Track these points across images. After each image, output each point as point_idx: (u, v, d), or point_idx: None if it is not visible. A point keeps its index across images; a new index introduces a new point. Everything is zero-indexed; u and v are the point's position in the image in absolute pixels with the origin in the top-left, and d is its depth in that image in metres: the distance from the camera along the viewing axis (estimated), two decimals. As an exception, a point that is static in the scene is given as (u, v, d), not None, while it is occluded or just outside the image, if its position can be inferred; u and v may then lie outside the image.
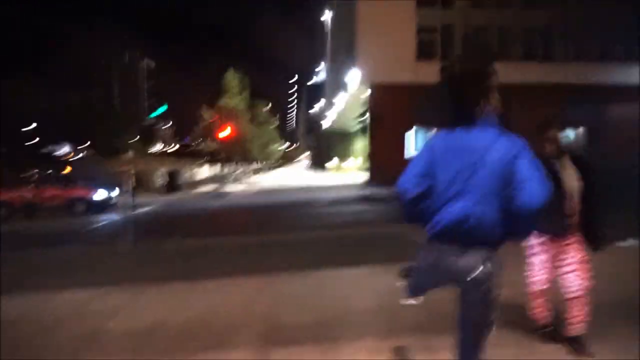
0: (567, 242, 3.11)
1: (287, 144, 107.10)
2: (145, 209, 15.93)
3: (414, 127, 23.59)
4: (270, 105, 49.76)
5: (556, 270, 3.20)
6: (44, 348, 3.57)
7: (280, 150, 59.01)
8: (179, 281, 5.43)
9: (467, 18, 24.79)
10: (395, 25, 23.23)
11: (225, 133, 21.04)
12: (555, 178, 3.07)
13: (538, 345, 3.23)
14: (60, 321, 4.15)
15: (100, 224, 12.44)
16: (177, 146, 69.72)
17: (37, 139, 45.13)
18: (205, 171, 28.15)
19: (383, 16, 23.01)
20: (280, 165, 75.10)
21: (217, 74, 31.95)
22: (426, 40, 24.15)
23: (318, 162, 54.58)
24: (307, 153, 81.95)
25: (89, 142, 35.29)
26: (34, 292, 5.06)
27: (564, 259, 3.14)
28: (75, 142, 37.69)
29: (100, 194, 16.16)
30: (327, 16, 43.07)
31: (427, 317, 3.64)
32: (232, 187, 25.05)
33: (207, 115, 28.45)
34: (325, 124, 45.58)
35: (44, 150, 42.42)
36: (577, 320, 3.10)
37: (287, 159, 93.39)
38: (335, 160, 42.75)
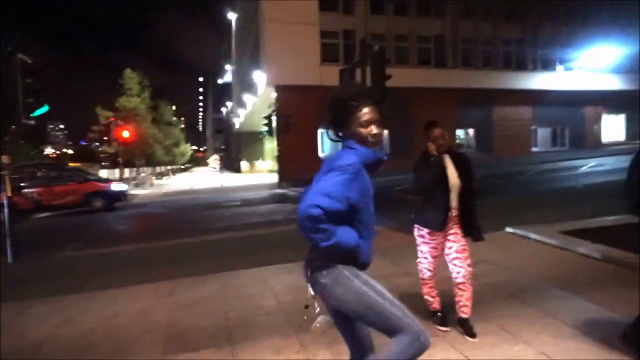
0: (448, 233, 3.41)
1: (195, 146, 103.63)
2: (32, 217, 14.43)
3: (322, 128, 24.15)
4: (175, 106, 47.80)
5: (443, 258, 3.49)
6: None
7: (188, 153, 56.80)
8: (71, 294, 5.01)
9: (367, 25, 25.95)
10: (300, 28, 23.58)
11: (124, 135, 19.73)
12: (439, 175, 3.36)
13: (432, 330, 3.48)
14: None
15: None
16: (71, 150, 64.12)
17: None
18: (103, 176, 26.14)
19: (287, 19, 23.24)
20: (188, 169, 72.35)
21: (115, 73, 29.98)
22: (329, 45, 24.83)
23: (229, 165, 53.52)
24: (217, 156, 79.94)
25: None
26: None
27: (447, 249, 3.44)
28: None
29: (116, 186, 16.55)
30: (232, 16, 42.41)
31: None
32: (134, 191, 23.65)
33: (103, 116, 26.46)
34: (235, 125, 44.86)
35: None
36: (462, 304, 3.40)
37: (196, 161, 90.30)
38: (245, 162, 42.24)
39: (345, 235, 1.91)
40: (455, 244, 3.40)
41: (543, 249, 5.62)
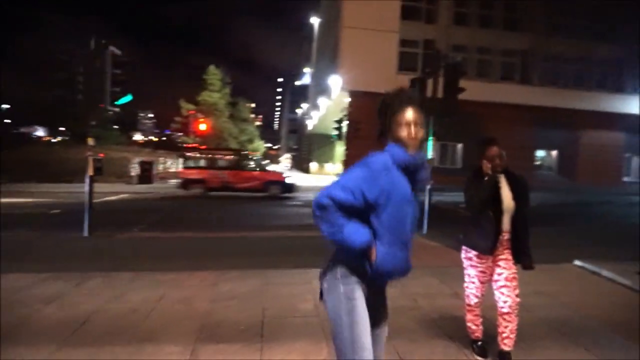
0: (498, 258, 3.18)
1: (270, 144, 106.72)
2: (112, 197, 15.63)
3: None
4: (253, 104, 49.51)
5: (490, 285, 3.27)
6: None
7: (261, 150, 58.62)
8: (127, 272, 5.33)
9: (449, 35, 25.22)
10: (379, 35, 23.48)
11: (203, 127, 20.80)
12: (492, 195, 3.15)
13: (470, 358, 3.27)
14: (-8, 306, 4.03)
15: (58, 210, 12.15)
16: (156, 138, 68.65)
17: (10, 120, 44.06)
18: (180, 164, 27.66)
19: (367, 26, 23.24)
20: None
21: (199, 70, 31.69)
22: (408, 54, 24.45)
23: (299, 165, 54.45)
24: (289, 155, 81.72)
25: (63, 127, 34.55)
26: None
27: (495, 275, 3.21)
28: (47, 126, 36.94)
29: (289, 179, 18.02)
30: (315, 20, 43.18)
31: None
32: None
33: (185, 108, 28.07)
34: (309, 127, 45.57)
35: (22, 131, 41.50)
36: (505, 335, 3.16)
37: (269, 158, 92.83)
38: (315, 163, 42.72)
39: (354, 232, 1.85)
40: (505, 271, 3.17)
41: (614, 290, 5.09)
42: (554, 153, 28.33)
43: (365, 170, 1.86)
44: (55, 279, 4.96)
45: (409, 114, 1.92)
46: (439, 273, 5.51)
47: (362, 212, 1.88)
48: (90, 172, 7.81)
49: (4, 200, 14.44)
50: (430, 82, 9.27)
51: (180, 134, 36.76)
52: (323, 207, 1.84)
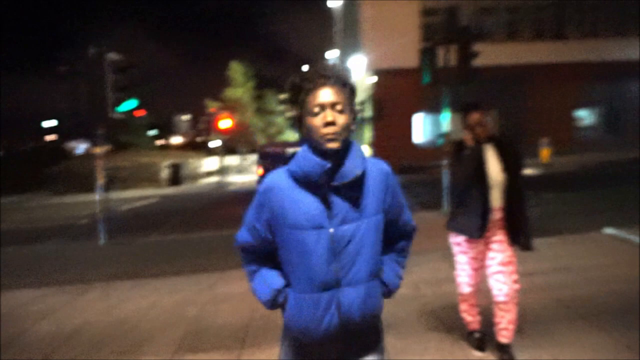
0: (491, 240, 2.80)
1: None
2: (143, 202, 15.97)
3: (422, 112, 23.14)
4: (282, 95, 49.29)
5: (483, 272, 2.90)
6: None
7: (293, 140, 58.76)
8: (129, 280, 5.29)
9: (473, -1, 23.91)
10: (399, 8, 22.63)
11: (226, 124, 20.86)
12: (477, 169, 2.75)
13: (466, 352, 2.93)
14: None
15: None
16: (183, 139, 70.22)
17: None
18: (210, 163, 28.07)
19: (386, 1, 22.44)
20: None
21: (225, 65, 31.89)
22: (430, 23, 23.42)
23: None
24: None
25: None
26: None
27: (488, 260, 2.83)
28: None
29: None
30: (333, 3, 42.41)
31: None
32: (235, 179, 25.01)
33: (210, 107, 28.38)
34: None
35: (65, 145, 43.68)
36: (502, 327, 2.79)
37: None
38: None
39: (261, 283, 1.51)
40: (499, 255, 2.77)
41: (649, 258, 4.52)
42: (597, 111, 26.49)
43: (255, 198, 1.49)
44: (57, 292, 4.96)
45: (322, 94, 1.37)
46: (451, 255, 5.11)
47: (270, 250, 1.51)
48: (100, 180, 7.87)
49: (39, 214, 15.05)
50: (442, 51, 8.68)
51: (207, 133, 37.24)
52: (236, 245, 1.57)
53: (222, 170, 22.11)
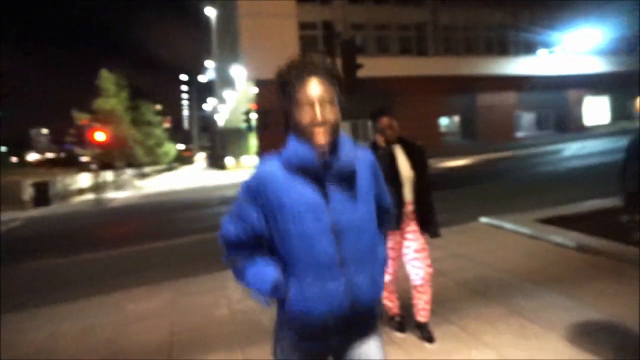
0: (406, 231, 3.12)
1: (183, 145, 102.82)
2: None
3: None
4: (158, 105, 46.95)
5: (401, 260, 3.21)
6: None
7: (172, 152, 56.08)
8: (21, 311, 4.66)
9: (346, 15, 25.50)
10: (278, 21, 23.13)
11: (101, 137, 19.19)
12: (390, 168, 3.06)
13: (390, 336, 3.20)
14: None
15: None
16: (54, 155, 63.23)
17: None
18: (83, 179, 25.51)
19: (264, 12, 22.76)
20: (174, 168, 71.68)
21: (93, 74, 29.20)
22: (308, 36, 24.41)
23: (215, 162, 52.99)
24: (203, 153, 79.23)
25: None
26: None
27: (404, 249, 3.15)
28: None
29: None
30: (211, 12, 41.75)
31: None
32: (114, 195, 23.15)
33: (79, 119, 25.81)
34: (219, 122, 44.32)
35: None
36: (420, 307, 3.13)
37: (183, 160, 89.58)
38: (231, 158, 41.79)
39: (256, 277, 1.43)
40: (413, 243, 3.11)
41: (517, 240, 5.37)
42: (456, 118, 30.08)
43: (245, 190, 1.44)
44: None
45: (312, 87, 1.34)
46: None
47: (260, 242, 1.46)
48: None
49: None
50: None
51: (77, 147, 33.89)
52: (222, 246, 1.51)
53: (98, 187, 20.26)
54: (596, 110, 34.18)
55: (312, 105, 1.34)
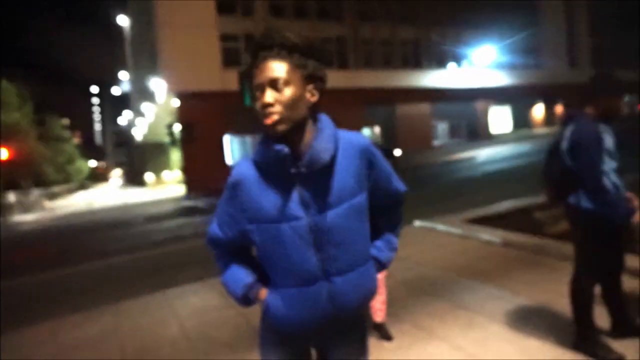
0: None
1: (96, 162, 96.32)
2: None
3: (229, 134, 23.56)
4: (67, 119, 43.69)
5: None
6: None
7: (85, 169, 52.36)
8: None
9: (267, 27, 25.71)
10: (198, 32, 22.72)
11: (3, 154, 17.43)
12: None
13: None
14: None
15: None
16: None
17: None
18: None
19: (184, 23, 22.24)
20: (87, 186, 66.90)
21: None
22: (230, 49, 24.22)
23: (133, 178, 50.32)
24: (119, 170, 74.86)
25: None
26: None
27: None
28: None
29: None
30: (124, 20, 39.89)
31: (241, 333, 3.45)
32: (21, 218, 21.11)
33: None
34: (136, 136, 42.24)
35: None
36: (377, 308, 3.28)
37: (97, 177, 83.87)
38: (151, 174, 39.95)
39: (231, 279, 1.42)
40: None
41: (450, 240, 5.77)
42: (377, 129, 31.38)
43: (224, 192, 1.37)
44: None
45: (262, 70, 1.22)
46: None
47: (243, 245, 1.43)
48: None
49: None
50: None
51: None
52: (207, 242, 1.48)
53: (1, 209, 18.36)
54: (500, 119, 37.51)
55: (262, 89, 1.22)
